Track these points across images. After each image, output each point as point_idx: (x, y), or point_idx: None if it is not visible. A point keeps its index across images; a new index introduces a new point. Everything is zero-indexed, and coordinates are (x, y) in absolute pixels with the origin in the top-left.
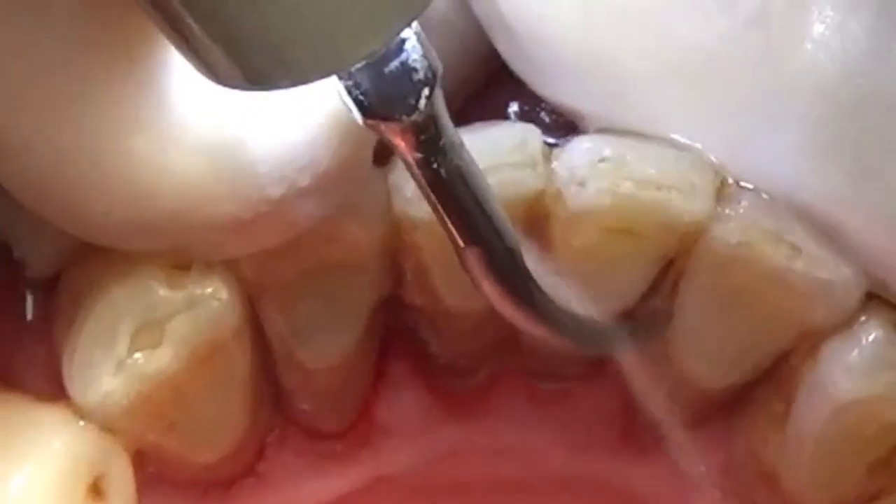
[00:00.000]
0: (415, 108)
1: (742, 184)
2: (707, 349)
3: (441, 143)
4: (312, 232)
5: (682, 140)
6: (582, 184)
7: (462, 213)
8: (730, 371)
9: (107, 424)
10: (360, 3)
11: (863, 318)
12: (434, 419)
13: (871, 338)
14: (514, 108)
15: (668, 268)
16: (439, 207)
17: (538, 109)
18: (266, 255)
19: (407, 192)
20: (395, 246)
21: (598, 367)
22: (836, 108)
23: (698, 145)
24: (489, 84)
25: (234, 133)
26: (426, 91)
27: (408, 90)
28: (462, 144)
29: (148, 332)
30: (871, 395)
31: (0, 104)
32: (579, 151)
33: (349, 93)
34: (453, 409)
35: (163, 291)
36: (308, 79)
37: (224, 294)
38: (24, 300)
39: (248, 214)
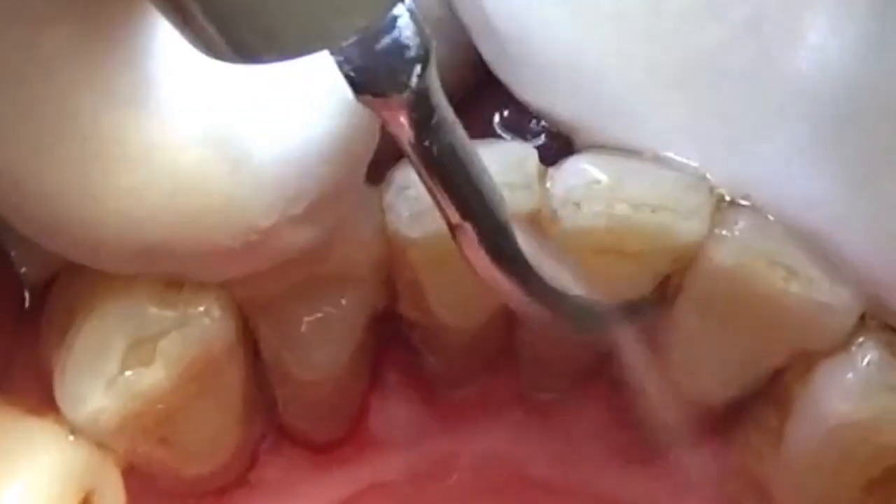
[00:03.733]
0: (406, 85)
1: (740, 201)
2: (702, 365)
3: (433, 121)
4: (306, 252)
5: (678, 158)
6: (577, 205)
7: (454, 189)
8: (725, 387)
9: (98, 440)
10: None
11: (859, 340)
12: (427, 429)
13: (866, 360)
14: (505, 114)
15: (665, 284)
16: (430, 183)
17: (530, 116)
18: (259, 273)
19: (401, 211)
20: (390, 262)
21: (591, 380)
22: (832, 115)
23: (694, 162)
24: (480, 90)
25: (222, 165)
26: (418, 69)
27: (399, 67)
28: (456, 122)
29: (139, 350)
30: (867, 418)
31: None
32: (574, 172)
33: (340, 68)
34: (446, 419)
35: (155, 309)
36: (297, 53)
37: (216, 312)
38: (21, 306)
39: (237, 244)
